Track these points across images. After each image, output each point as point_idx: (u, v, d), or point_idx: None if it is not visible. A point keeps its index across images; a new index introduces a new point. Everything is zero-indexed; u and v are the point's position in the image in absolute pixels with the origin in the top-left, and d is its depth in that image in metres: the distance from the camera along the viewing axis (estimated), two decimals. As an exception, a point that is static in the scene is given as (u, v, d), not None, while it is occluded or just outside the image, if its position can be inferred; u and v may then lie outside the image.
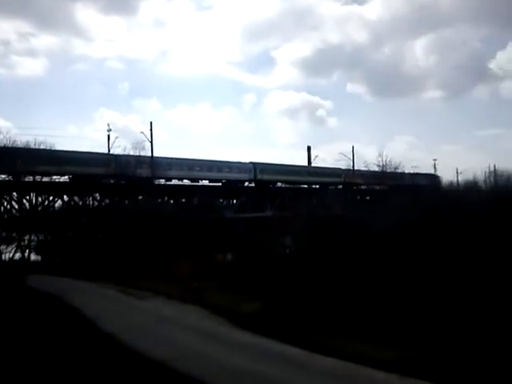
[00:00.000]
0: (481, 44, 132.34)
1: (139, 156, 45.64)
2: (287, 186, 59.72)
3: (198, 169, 51.38)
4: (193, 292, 23.69)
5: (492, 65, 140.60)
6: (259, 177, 55.72)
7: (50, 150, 40.82)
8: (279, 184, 59.82)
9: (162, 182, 49.52)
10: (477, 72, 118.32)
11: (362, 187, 58.89)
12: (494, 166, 48.86)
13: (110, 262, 31.58)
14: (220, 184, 53.82)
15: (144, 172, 45.22)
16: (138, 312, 20.57)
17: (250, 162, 56.20)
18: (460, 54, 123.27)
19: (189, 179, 51.59)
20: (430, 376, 10.85)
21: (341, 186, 60.41)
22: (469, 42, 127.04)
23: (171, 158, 49.54)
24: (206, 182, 52.76)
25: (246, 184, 56.57)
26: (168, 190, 49.98)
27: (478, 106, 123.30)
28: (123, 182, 44.12)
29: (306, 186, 61.72)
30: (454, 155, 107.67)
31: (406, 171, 55.46)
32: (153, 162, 46.90)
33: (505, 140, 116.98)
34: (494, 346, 12.44)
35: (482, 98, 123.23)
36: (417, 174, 58.62)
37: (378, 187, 51.14)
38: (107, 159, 45.66)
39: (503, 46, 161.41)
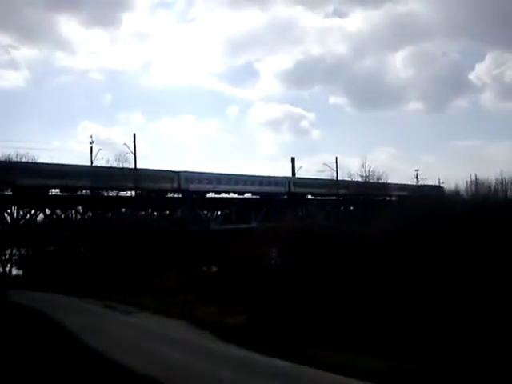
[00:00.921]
0: (460, 56, 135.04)
1: (202, 173, 53.35)
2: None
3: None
4: (178, 306, 23.51)
5: (471, 77, 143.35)
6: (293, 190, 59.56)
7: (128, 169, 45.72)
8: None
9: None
10: (456, 84, 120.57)
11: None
12: (476, 176, 49.51)
13: (94, 276, 31.20)
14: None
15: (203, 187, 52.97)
16: (123, 327, 20.33)
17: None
18: (440, 66, 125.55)
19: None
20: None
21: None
22: (448, 55, 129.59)
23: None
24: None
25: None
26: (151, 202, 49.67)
27: (458, 117, 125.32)
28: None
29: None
30: (435, 165, 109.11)
31: (413, 183, 62.34)
32: (137, 174, 46.87)
33: (484, 150, 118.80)
34: (476, 353, 12.56)
35: (462, 109, 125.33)
36: (423, 186, 64.11)
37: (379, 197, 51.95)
38: (172, 176, 51.18)
39: (482, 58, 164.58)
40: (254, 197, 57.67)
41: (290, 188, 60.11)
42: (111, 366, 13.85)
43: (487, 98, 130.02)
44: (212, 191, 54.35)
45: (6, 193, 40.67)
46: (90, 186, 44.99)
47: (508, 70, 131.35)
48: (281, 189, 59.73)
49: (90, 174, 44.98)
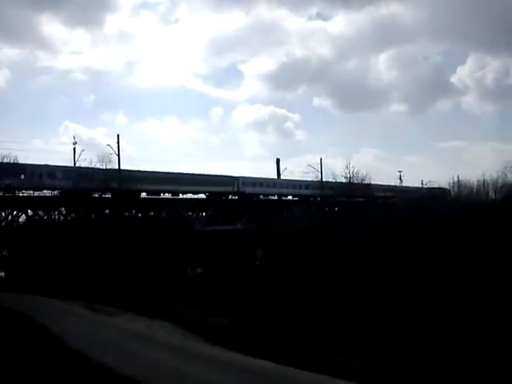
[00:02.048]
0: (442, 59, 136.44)
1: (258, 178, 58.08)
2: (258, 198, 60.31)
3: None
4: (162, 307, 23.43)
5: (453, 79, 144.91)
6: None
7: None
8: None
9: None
10: (439, 86, 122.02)
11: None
12: (458, 177, 50.20)
13: (77, 278, 30.96)
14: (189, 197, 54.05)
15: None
16: (107, 328, 20.21)
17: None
18: (422, 68, 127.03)
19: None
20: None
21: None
22: (430, 57, 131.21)
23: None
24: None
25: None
26: (136, 204, 49.43)
27: (441, 119, 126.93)
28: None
29: (276, 198, 62.37)
30: (418, 167, 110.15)
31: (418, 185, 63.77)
32: (121, 175, 46.55)
33: (467, 152, 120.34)
34: (460, 352, 12.74)
35: (445, 111, 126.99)
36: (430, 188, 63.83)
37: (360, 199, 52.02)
38: (231, 181, 56.80)
39: (463, 61, 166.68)
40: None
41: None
42: (94, 368, 13.76)
43: (469, 100, 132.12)
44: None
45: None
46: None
47: (489, 72, 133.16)
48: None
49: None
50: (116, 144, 47.92)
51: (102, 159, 46.58)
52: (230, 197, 58.72)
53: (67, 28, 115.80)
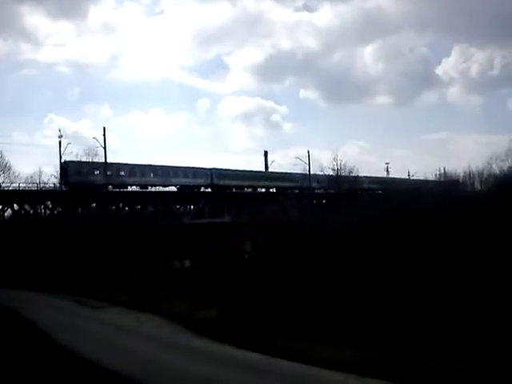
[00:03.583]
0: (427, 51, 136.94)
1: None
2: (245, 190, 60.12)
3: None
4: (151, 300, 23.38)
5: (438, 71, 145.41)
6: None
7: None
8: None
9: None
10: (424, 78, 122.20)
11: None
12: (444, 169, 50.51)
13: (65, 272, 30.77)
14: (175, 189, 53.56)
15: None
16: (95, 323, 20.12)
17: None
18: (407, 60, 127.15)
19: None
20: (388, 375, 11.07)
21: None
22: (416, 49, 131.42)
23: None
24: (160, 188, 52.22)
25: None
26: (123, 197, 49.19)
27: (426, 111, 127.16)
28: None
29: (263, 190, 62.20)
30: (405, 159, 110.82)
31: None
32: (106, 167, 46.43)
33: (451, 143, 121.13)
34: (445, 341, 12.91)
35: (430, 103, 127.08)
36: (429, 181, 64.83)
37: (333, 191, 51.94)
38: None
39: (448, 53, 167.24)
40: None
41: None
42: (82, 363, 13.70)
43: (454, 91, 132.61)
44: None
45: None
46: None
47: (474, 64, 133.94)
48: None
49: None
50: (102, 137, 47.74)
51: (88, 152, 46.47)
52: (201, 189, 56.86)
53: (50, 20, 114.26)
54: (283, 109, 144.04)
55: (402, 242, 17.65)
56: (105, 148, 47.30)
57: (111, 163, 47.75)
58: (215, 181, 55.63)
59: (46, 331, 18.02)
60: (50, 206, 46.12)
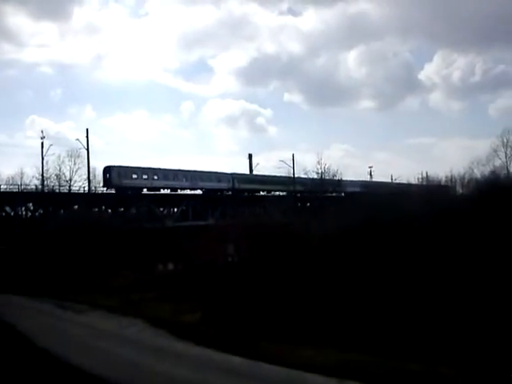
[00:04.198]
0: (410, 56, 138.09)
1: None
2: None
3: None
4: (133, 304, 23.20)
5: (421, 76, 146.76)
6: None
7: None
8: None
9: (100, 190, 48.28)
10: (407, 83, 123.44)
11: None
12: (426, 173, 50.99)
13: (47, 276, 30.38)
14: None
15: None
16: (76, 326, 19.90)
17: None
18: (391, 65, 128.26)
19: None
20: (370, 378, 11.11)
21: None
22: (399, 54, 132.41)
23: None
24: (145, 191, 51.88)
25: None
26: (106, 199, 48.74)
27: (409, 115, 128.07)
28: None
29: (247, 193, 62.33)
30: (387, 162, 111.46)
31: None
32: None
33: (434, 148, 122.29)
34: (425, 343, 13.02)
35: (413, 107, 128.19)
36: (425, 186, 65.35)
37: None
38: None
39: (430, 59, 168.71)
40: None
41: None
42: (62, 367, 13.55)
43: (436, 96, 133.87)
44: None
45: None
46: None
47: (456, 69, 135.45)
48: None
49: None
50: (85, 138, 47.38)
51: (70, 154, 46.09)
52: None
53: (33, 20, 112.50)
54: (267, 112, 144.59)
55: (384, 246, 17.77)
56: (88, 150, 46.94)
57: (147, 168, 51.37)
58: (236, 185, 58.55)
59: (26, 334, 17.79)
60: (32, 207, 45.51)
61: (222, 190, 57.68)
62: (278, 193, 63.50)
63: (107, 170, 48.13)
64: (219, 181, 57.08)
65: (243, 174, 60.91)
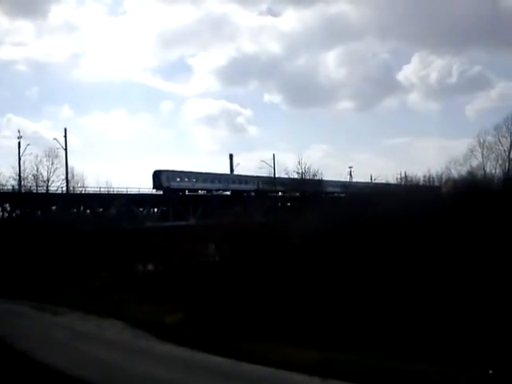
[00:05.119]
0: (389, 57, 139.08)
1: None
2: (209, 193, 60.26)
3: None
4: (112, 306, 22.95)
5: (399, 77, 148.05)
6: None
7: None
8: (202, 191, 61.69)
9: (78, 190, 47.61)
10: (386, 84, 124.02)
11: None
12: (405, 173, 51.44)
13: (25, 278, 29.85)
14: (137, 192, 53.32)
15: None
16: (54, 328, 19.61)
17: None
18: (370, 66, 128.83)
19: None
20: (352, 377, 11.16)
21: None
22: (378, 55, 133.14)
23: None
24: (124, 191, 51.43)
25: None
26: (84, 200, 48.13)
27: (388, 116, 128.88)
28: None
29: (229, 193, 62.60)
30: (367, 163, 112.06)
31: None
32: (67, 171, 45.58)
33: (412, 148, 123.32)
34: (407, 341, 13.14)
35: (391, 108, 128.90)
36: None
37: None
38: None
39: (408, 60, 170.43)
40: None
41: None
42: (40, 369, 13.33)
43: (414, 97, 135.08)
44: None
45: None
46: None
47: (433, 71, 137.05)
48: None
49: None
50: (63, 138, 46.86)
51: (48, 153, 45.39)
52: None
53: (9, 18, 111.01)
54: (247, 112, 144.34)
55: (363, 245, 17.91)
56: (66, 149, 46.36)
57: (189, 172, 58.52)
58: (261, 186, 62.40)
59: (3, 336, 17.45)
60: (9, 208, 44.74)
61: (248, 191, 62.57)
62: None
63: (157, 173, 55.08)
64: (246, 183, 62.90)
65: (267, 176, 62.50)
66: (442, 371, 11.08)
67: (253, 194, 62.54)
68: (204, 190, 59.82)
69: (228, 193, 63.70)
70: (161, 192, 56.30)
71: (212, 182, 60.67)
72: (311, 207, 29.96)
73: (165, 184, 54.64)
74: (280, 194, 60.35)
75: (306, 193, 50.22)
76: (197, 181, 58.63)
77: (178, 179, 56.33)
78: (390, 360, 12.10)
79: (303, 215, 25.18)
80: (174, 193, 54.88)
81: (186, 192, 57.89)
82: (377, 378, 10.93)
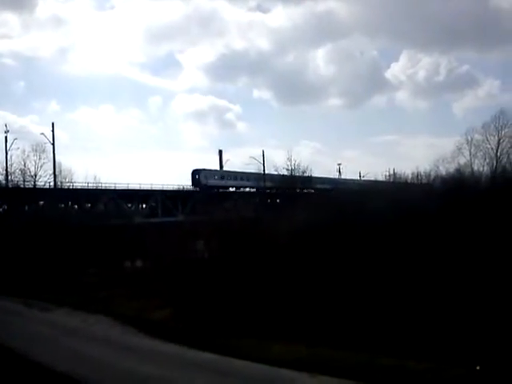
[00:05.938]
0: (377, 55, 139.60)
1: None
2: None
3: None
4: (100, 302, 22.83)
5: (388, 75, 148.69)
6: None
7: None
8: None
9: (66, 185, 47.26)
10: (374, 81, 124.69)
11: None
12: (394, 170, 51.71)
13: (11, 274, 29.58)
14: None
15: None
16: (41, 324, 19.46)
17: None
18: (358, 63, 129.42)
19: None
20: (340, 372, 11.20)
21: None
22: (366, 53, 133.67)
23: None
24: (112, 186, 51.08)
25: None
26: (72, 195, 47.76)
27: (376, 113, 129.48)
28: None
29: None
30: (355, 160, 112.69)
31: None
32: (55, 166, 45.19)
33: (400, 145, 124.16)
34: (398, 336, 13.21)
35: (380, 106, 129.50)
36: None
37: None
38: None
39: (397, 58, 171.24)
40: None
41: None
42: (28, 365, 13.23)
43: (403, 95, 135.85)
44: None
45: None
46: None
47: (421, 69, 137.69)
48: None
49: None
50: (50, 132, 46.51)
51: (35, 148, 45.00)
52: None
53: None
54: (237, 108, 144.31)
55: (350, 241, 17.99)
56: (53, 144, 46.01)
57: (224, 170, 65.28)
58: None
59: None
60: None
61: (271, 188, 63.18)
62: (247, 189, 64.93)
63: (197, 172, 60.86)
64: (272, 181, 62.77)
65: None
66: (431, 367, 11.15)
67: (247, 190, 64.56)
68: (237, 187, 64.34)
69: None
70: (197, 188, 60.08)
71: (242, 179, 65.13)
72: (300, 203, 30.03)
73: (203, 182, 60.21)
74: (268, 190, 60.39)
75: (295, 189, 50.38)
76: (230, 179, 64.20)
77: (216, 177, 62.78)
78: (380, 356, 12.15)
79: (292, 211, 25.22)
80: (211, 190, 58.63)
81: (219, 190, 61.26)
82: (364, 373, 10.98)
